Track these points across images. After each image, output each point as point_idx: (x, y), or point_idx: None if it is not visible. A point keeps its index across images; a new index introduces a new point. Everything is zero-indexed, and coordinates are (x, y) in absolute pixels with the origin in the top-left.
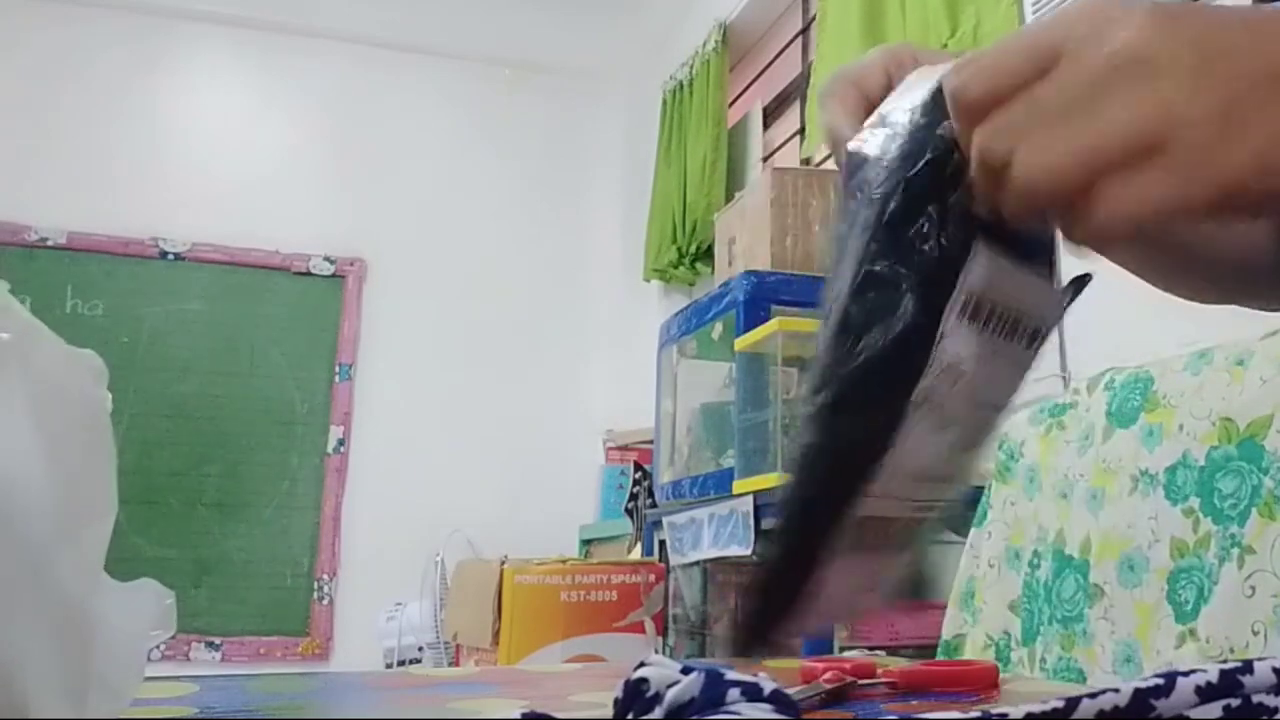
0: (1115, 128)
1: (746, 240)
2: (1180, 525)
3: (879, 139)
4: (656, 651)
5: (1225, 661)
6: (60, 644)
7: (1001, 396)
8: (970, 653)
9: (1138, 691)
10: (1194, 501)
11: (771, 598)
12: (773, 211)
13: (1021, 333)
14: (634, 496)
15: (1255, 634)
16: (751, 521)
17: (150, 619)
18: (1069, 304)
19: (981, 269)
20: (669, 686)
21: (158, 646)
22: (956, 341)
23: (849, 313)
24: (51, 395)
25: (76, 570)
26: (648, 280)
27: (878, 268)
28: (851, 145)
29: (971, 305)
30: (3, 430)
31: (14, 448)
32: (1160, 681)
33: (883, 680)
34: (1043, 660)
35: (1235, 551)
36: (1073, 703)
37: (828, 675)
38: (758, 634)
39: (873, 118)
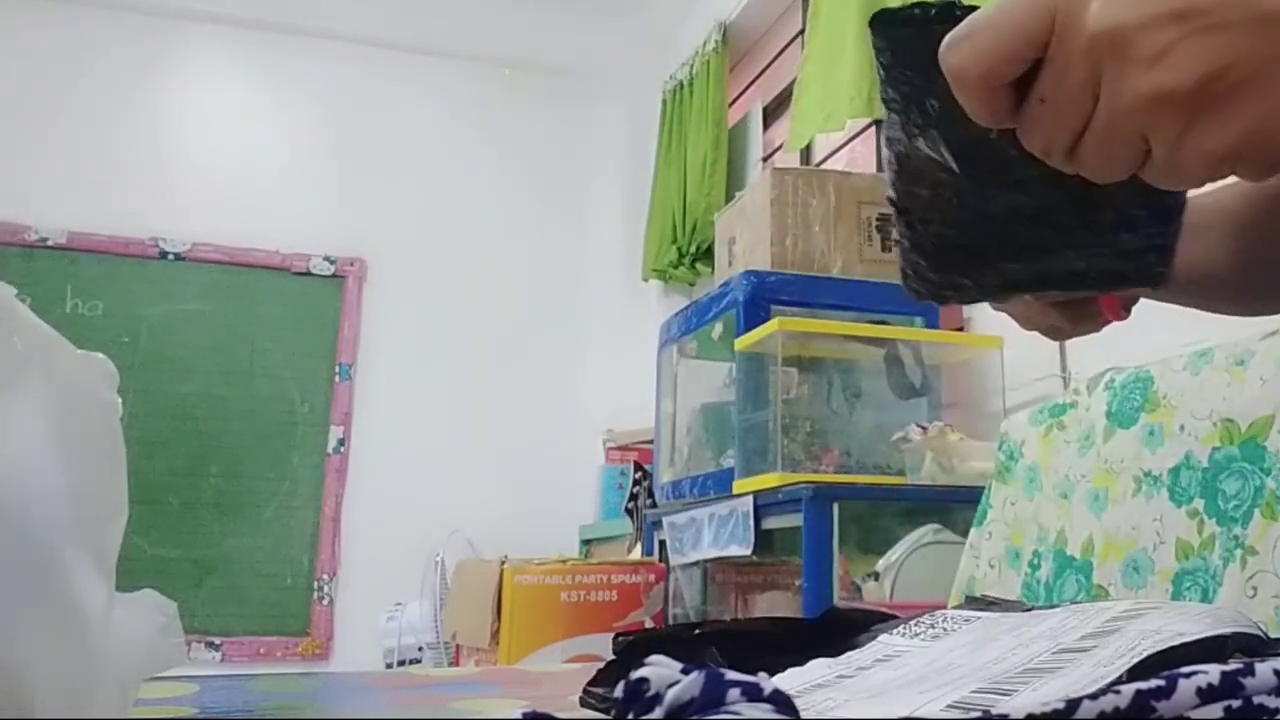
0: (1188, 79)
1: (746, 240)
2: (1185, 527)
3: None
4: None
5: (1227, 663)
6: (70, 644)
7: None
8: None
9: (1139, 693)
10: (1198, 503)
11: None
12: (773, 211)
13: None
14: (634, 496)
15: None
16: (751, 521)
17: (153, 628)
18: None
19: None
20: (669, 686)
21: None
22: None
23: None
24: (66, 400)
25: (89, 571)
26: (647, 280)
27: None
28: None
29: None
30: (20, 435)
31: (30, 452)
32: (1161, 683)
33: None
34: None
35: (1238, 553)
36: (1073, 704)
37: None
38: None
39: None
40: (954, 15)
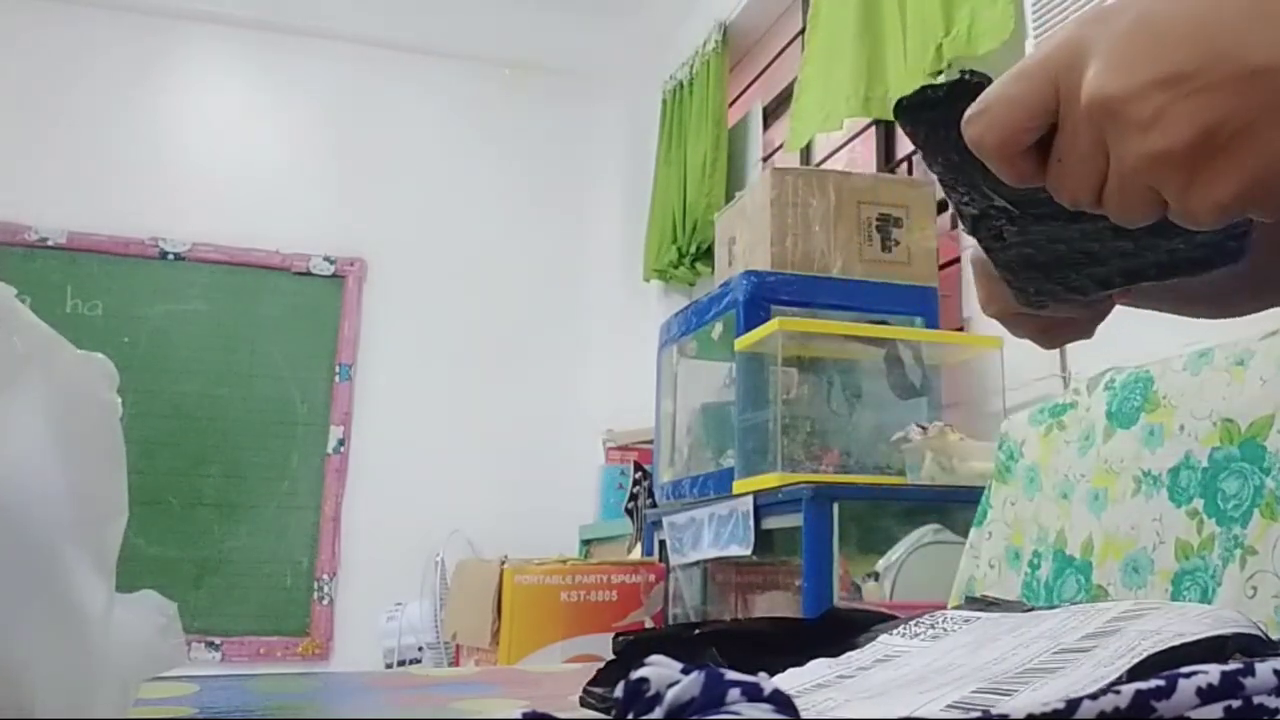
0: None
1: (746, 240)
2: (1185, 527)
3: None
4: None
5: (1227, 663)
6: (70, 644)
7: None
8: None
9: (1139, 693)
10: (1198, 503)
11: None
12: (773, 211)
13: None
14: (634, 496)
15: None
16: (751, 521)
17: (153, 628)
18: None
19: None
20: (669, 686)
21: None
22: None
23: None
24: (66, 400)
25: (89, 571)
26: (648, 280)
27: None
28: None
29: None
30: (20, 435)
31: (30, 452)
32: (1161, 683)
33: None
34: None
35: (1238, 552)
36: (1074, 704)
37: None
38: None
39: None
40: (967, 87)
